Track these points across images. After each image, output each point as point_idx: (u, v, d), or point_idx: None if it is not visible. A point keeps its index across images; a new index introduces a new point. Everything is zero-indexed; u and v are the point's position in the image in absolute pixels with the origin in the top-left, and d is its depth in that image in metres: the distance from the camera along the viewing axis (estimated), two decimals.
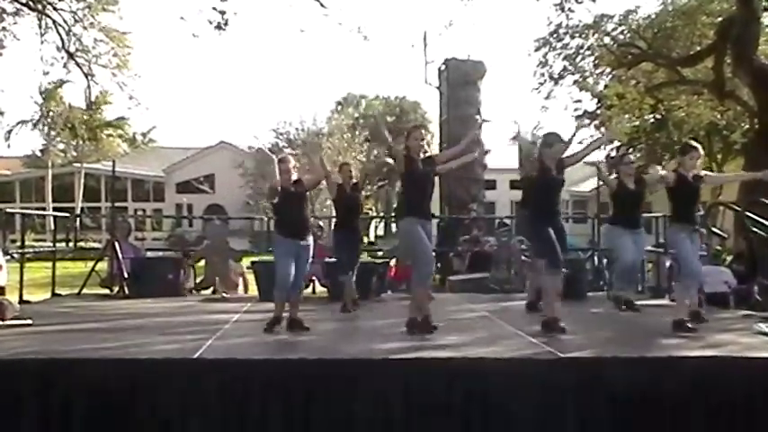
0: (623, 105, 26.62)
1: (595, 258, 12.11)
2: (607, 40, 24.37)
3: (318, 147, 31.93)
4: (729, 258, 12.80)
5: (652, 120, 32.03)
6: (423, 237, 7.26)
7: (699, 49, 22.00)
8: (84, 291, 11.32)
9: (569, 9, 22.13)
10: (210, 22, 18.15)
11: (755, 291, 11.11)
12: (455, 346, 6.63)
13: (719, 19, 21.16)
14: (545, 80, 25.83)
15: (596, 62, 25.95)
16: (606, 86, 27.84)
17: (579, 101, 34.28)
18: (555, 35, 24.64)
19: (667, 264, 12.29)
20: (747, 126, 24.42)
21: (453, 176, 20.41)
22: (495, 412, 5.68)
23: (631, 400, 5.78)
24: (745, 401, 5.80)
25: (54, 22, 23.34)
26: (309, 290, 11.96)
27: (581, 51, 25.16)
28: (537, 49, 25.44)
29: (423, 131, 7.93)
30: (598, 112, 33.53)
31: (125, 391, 5.60)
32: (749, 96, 19.74)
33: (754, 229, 11.04)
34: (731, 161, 34.27)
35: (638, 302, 9.20)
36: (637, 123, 29.57)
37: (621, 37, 24.50)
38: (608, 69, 26.20)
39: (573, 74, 26.25)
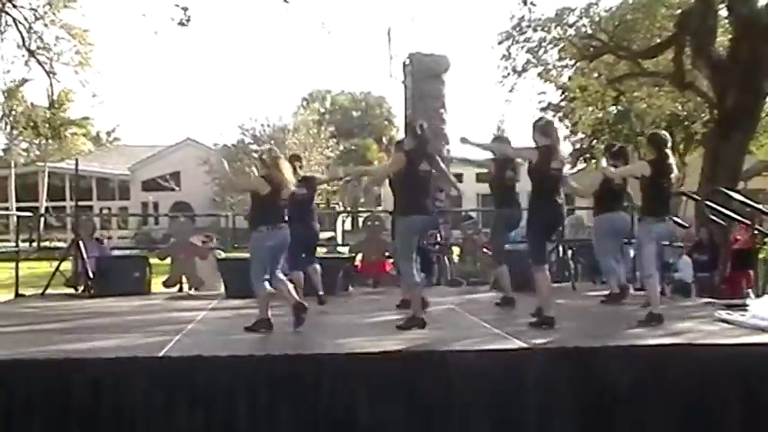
0: (586, 97, 26.86)
1: (560, 249, 12.19)
2: (570, 32, 24.54)
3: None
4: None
5: (615, 111, 32.36)
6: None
7: (659, 41, 22.22)
8: (49, 291, 11.23)
9: (531, 3, 22.32)
10: (173, 19, 18.07)
11: (717, 279, 11.30)
12: (422, 339, 6.68)
13: (678, 11, 21.39)
14: (509, 73, 25.98)
15: (559, 55, 26.14)
16: (569, 78, 28.06)
17: (543, 93, 34.59)
18: (518, 28, 24.79)
19: (631, 253, 12.44)
20: (707, 117, 24.71)
21: None
22: (461, 405, 5.74)
23: (594, 389, 5.87)
24: (702, 388, 5.91)
25: (14, 19, 23.12)
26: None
27: (544, 44, 25.32)
28: (500, 43, 25.59)
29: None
30: (562, 104, 33.83)
31: (89, 390, 5.58)
32: (708, 87, 19.98)
33: (714, 218, 11.21)
34: (693, 151, 34.70)
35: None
36: (600, 115, 29.84)
37: (583, 29, 24.68)
38: (571, 62, 26.39)
39: (536, 66, 26.42)
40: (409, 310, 7.48)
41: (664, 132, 8.21)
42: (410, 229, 7.54)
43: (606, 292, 9.30)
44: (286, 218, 7.50)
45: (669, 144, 7.77)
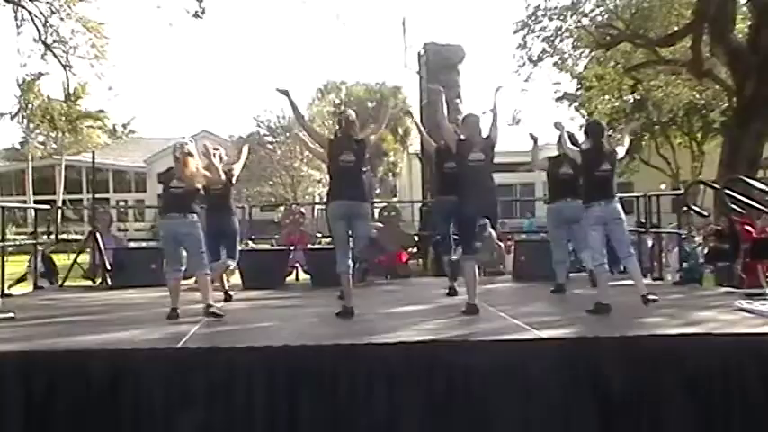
0: (602, 86, 26.71)
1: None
2: (585, 21, 24.37)
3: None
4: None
5: (631, 100, 32.18)
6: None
7: (676, 28, 22.02)
8: (67, 283, 11.27)
9: None
10: (188, 11, 18.07)
11: (738, 268, 11.20)
12: (439, 330, 6.66)
13: None
14: (524, 63, 25.79)
15: (575, 44, 25.96)
16: (585, 68, 27.89)
17: (558, 83, 34.41)
18: (533, 17, 24.62)
19: (649, 243, 12.37)
20: (726, 105, 24.53)
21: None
22: (479, 395, 5.72)
23: (613, 379, 5.83)
24: (722, 378, 5.86)
25: (30, 13, 23.17)
26: (293, 276, 11.97)
27: (559, 33, 25.14)
28: (515, 32, 25.42)
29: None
30: (578, 93, 33.66)
31: (108, 381, 5.60)
32: (727, 75, 19.82)
33: (734, 207, 11.11)
34: (711, 140, 34.52)
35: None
36: (616, 104, 29.67)
37: (600, 18, 24.50)
38: (587, 51, 26.22)
39: (552, 56, 26.23)
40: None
41: (598, 122, 8.33)
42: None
43: (623, 282, 9.23)
44: (195, 208, 7.66)
45: (605, 134, 7.87)
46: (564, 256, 9.20)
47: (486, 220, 7.39)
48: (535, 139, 9.05)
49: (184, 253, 7.74)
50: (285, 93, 7.70)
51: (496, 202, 7.84)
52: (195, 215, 7.65)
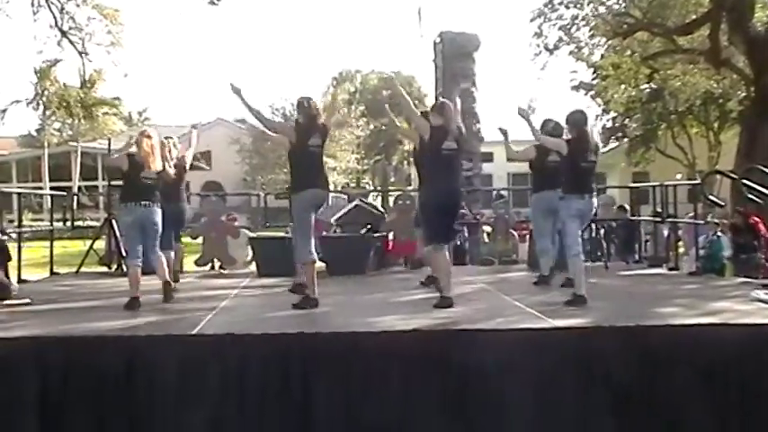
0: (619, 75, 26.50)
1: (593, 228, 12.10)
2: (602, 9, 24.19)
3: None
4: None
5: (648, 89, 31.96)
6: None
7: (694, 17, 21.84)
8: (83, 269, 11.33)
9: None
10: None
11: (760, 257, 11.16)
12: (454, 318, 6.66)
13: None
14: (540, 51, 25.62)
15: (591, 32, 25.79)
16: (602, 57, 27.72)
17: (575, 71, 34.24)
18: (550, 6, 24.46)
19: (665, 233, 12.32)
20: (744, 94, 24.33)
21: None
22: (494, 385, 5.71)
23: (629, 368, 5.82)
24: (738, 368, 5.83)
25: (47, 0, 23.19)
26: None
27: (576, 22, 24.97)
28: (532, 20, 25.27)
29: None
30: (594, 82, 33.48)
31: (124, 367, 5.62)
32: (745, 64, 19.66)
33: (751, 197, 11.04)
34: (728, 129, 34.29)
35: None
36: (633, 93, 29.49)
37: (616, 6, 24.31)
38: (603, 39, 26.04)
39: (568, 44, 26.06)
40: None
41: (582, 111, 8.10)
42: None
43: (638, 272, 9.21)
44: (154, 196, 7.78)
45: (588, 124, 7.80)
46: (548, 246, 9.04)
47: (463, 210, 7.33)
48: (504, 132, 8.83)
49: None
50: (237, 92, 7.59)
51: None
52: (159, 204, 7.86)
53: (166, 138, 8.45)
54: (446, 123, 7.41)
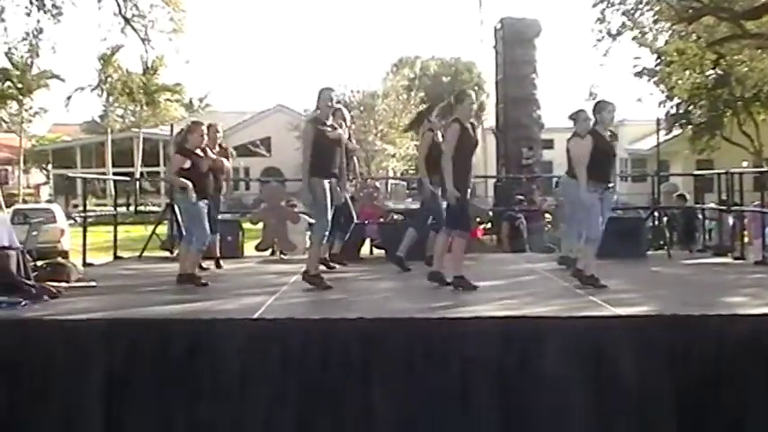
0: (683, 61, 26.01)
1: (655, 216, 11.93)
2: None
3: None
4: None
5: (713, 75, 31.31)
6: None
7: (763, 1, 21.33)
8: (145, 253, 11.50)
9: None
10: None
11: None
12: (512, 305, 6.63)
13: None
14: (603, 37, 25.24)
15: (655, 17, 25.33)
16: (666, 42, 27.23)
17: (638, 57, 33.64)
18: None
19: (730, 221, 12.08)
20: None
21: (510, 137, 20.26)
22: (551, 372, 5.67)
23: (690, 359, 5.72)
24: None
25: None
26: (366, 250, 12.02)
27: (640, 6, 24.54)
28: (594, 5, 24.91)
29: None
30: (657, 68, 32.89)
31: (187, 349, 5.71)
32: None
33: None
34: None
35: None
36: (698, 79, 28.93)
37: None
38: (668, 25, 25.56)
39: (632, 30, 25.63)
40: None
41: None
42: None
43: (702, 260, 9.04)
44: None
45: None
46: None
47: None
48: None
49: None
50: None
51: None
52: None
53: (210, 125, 8.69)
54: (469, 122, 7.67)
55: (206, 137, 8.26)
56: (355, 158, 9.41)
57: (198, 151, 8.06)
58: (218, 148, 9.25)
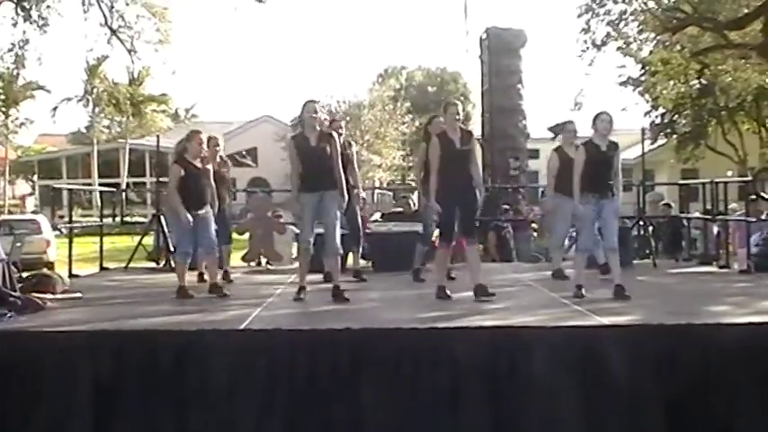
0: (668, 71, 26.22)
1: (641, 226, 11.96)
2: (651, 4, 23.91)
3: None
4: None
5: (698, 85, 31.53)
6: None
7: (746, 11, 21.49)
8: (132, 264, 11.46)
9: None
10: None
11: None
12: (499, 315, 6.64)
13: None
14: (588, 47, 25.43)
15: (640, 28, 25.50)
16: (651, 52, 27.41)
17: (623, 66, 33.84)
18: (597, 1, 24.26)
19: (715, 230, 12.13)
20: None
21: (496, 147, 20.28)
22: (540, 381, 5.68)
23: (677, 368, 5.74)
24: None
25: None
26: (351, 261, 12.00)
27: (624, 17, 24.72)
28: (579, 16, 25.07)
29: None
30: (642, 78, 33.10)
31: (174, 361, 5.69)
32: None
33: None
34: None
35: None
36: (682, 89, 29.13)
37: (666, 1, 24.01)
38: (652, 35, 25.74)
39: (616, 40, 25.81)
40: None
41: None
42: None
43: (688, 270, 9.08)
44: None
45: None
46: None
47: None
48: None
49: None
50: None
51: None
52: None
53: (210, 137, 8.73)
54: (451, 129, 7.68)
55: (205, 146, 8.27)
56: (356, 167, 9.44)
57: (197, 162, 8.05)
58: (218, 160, 9.31)
